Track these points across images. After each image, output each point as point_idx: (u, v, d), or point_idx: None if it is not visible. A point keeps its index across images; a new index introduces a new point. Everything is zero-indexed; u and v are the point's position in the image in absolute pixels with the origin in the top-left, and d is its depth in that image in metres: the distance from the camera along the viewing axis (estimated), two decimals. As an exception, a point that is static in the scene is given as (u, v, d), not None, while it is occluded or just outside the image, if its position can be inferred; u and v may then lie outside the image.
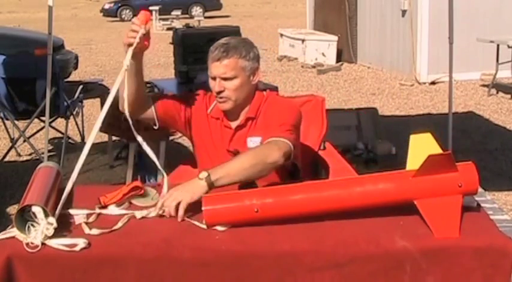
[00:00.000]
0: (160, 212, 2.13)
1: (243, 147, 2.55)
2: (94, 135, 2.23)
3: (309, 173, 2.91)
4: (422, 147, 2.08)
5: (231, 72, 2.51)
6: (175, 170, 2.94)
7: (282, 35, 13.17)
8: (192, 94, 2.74)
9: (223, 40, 2.57)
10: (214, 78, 2.54)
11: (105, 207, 2.19)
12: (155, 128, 2.60)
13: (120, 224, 2.05)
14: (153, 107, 2.58)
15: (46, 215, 1.95)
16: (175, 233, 1.99)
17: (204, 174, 2.17)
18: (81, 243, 1.91)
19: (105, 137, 5.89)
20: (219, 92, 2.53)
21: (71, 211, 2.14)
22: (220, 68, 2.51)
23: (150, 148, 2.40)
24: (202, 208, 2.02)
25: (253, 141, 2.56)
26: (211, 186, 2.16)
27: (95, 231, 2.00)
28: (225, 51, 2.51)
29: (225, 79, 2.52)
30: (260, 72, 2.61)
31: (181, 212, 2.11)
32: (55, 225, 1.93)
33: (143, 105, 2.56)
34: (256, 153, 2.34)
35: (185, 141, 5.06)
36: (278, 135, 2.39)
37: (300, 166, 2.72)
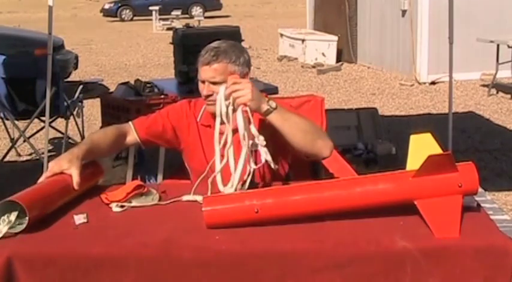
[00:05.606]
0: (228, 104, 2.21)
1: (237, 147, 2.56)
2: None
3: (308, 173, 2.91)
4: (422, 147, 2.07)
5: (220, 76, 2.50)
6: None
7: (282, 35, 13.18)
8: (175, 107, 2.76)
9: (214, 44, 2.58)
10: (203, 82, 2.55)
11: (107, 205, 2.19)
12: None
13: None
14: (135, 134, 2.66)
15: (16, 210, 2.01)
16: (175, 233, 1.99)
17: (273, 104, 2.26)
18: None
19: (105, 137, 5.88)
20: (208, 96, 2.54)
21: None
22: (210, 72, 2.51)
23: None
24: (203, 209, 2.02)
25: None
26: (269, 112, 2.25)
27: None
28: (214, 55, 2.51)
29: (214, 83, 2.51)
30: (249, 77, 2.61)
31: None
32: (12, 221, 1.98)
33: (122, 142, 2.64)
34: (316, 129, 2.40)
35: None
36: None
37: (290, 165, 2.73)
